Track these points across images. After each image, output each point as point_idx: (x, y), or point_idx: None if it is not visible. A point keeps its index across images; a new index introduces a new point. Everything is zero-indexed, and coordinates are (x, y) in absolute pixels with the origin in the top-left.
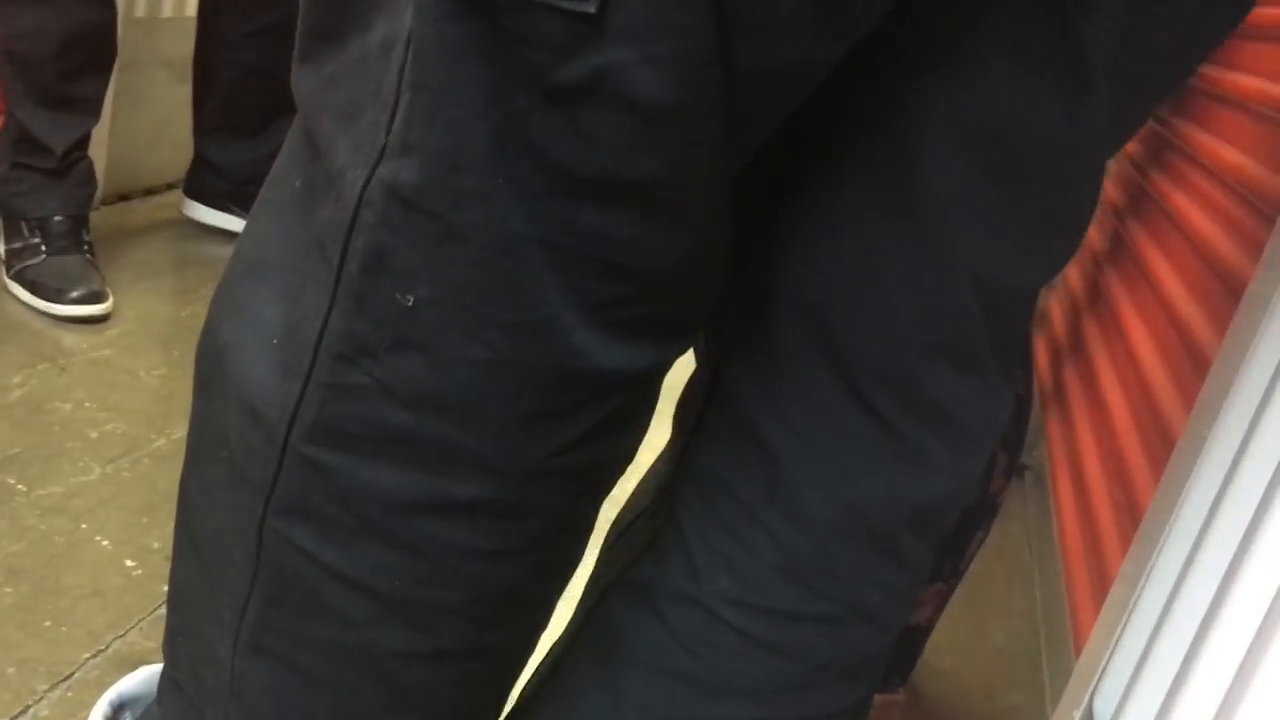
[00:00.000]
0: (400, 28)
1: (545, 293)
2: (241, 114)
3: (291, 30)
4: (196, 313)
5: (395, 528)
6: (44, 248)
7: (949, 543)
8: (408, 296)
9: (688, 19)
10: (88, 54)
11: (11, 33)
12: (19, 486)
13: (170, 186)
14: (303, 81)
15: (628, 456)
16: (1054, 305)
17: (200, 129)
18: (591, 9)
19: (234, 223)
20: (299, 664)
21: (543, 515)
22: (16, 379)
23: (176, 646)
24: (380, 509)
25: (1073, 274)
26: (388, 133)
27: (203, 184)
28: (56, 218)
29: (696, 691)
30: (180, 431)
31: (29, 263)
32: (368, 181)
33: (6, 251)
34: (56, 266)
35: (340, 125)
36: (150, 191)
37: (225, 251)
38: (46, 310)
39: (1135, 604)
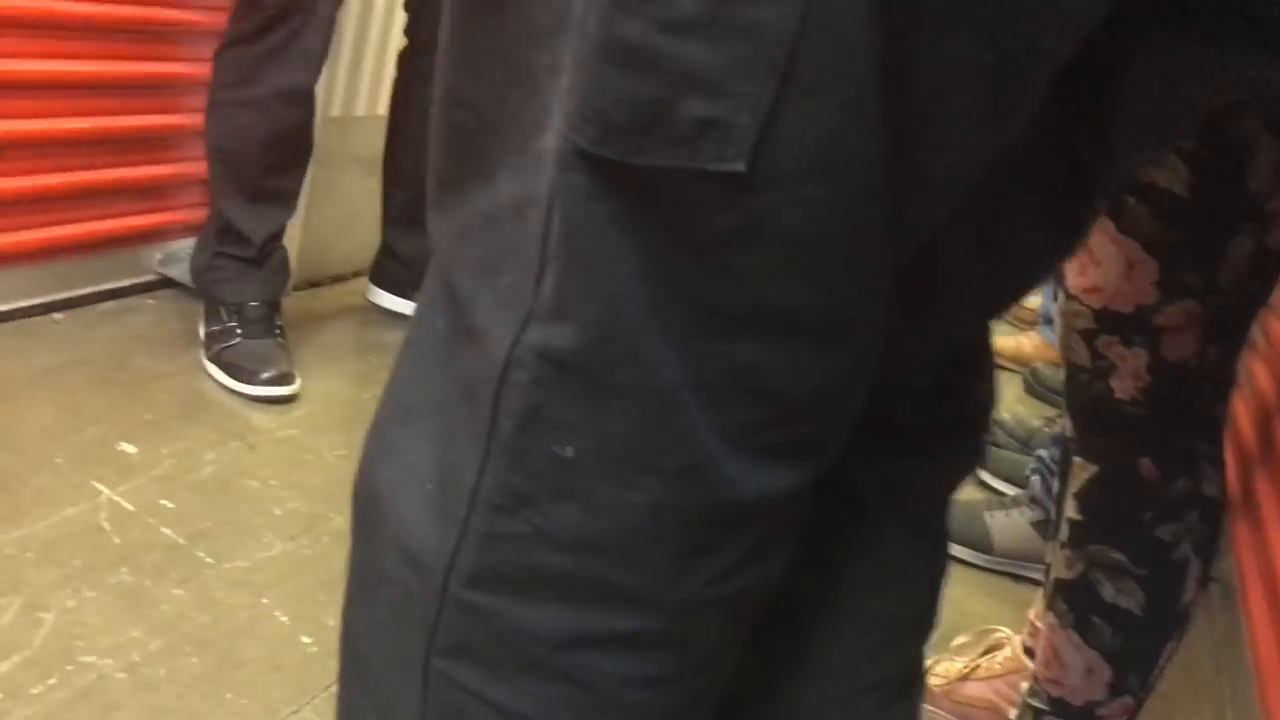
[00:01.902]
0: (534, 191)
1: (699, 434)
2: (426, 206)
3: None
4: (377, 395)
5: (558, 664)
6: (240, 331)
7: (1138, 654)
8: (565, 449)
9: (841, 158)
10: (288, 151)
11: (220, 131)
12: (208, 560)
13: (357, 274)
14: (434, 225)
15: (775, 580)
16: (1240, 408)
17: (388, 219)
18: (741, 167)
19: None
20: None
21: (698, 643)
22: (210, 456)
23: None
24: (542, 647)
25: (1261, 376)
26: (534, 296)
27: (388, 271)
28: (252, 303)
29: None
30: None
31: (226, 345)
32: (515, 342)
33: (206, 334)
34: (250, 349)
35: (478, 280)
36: (338, 279)
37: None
38: (239, 390)
39: None
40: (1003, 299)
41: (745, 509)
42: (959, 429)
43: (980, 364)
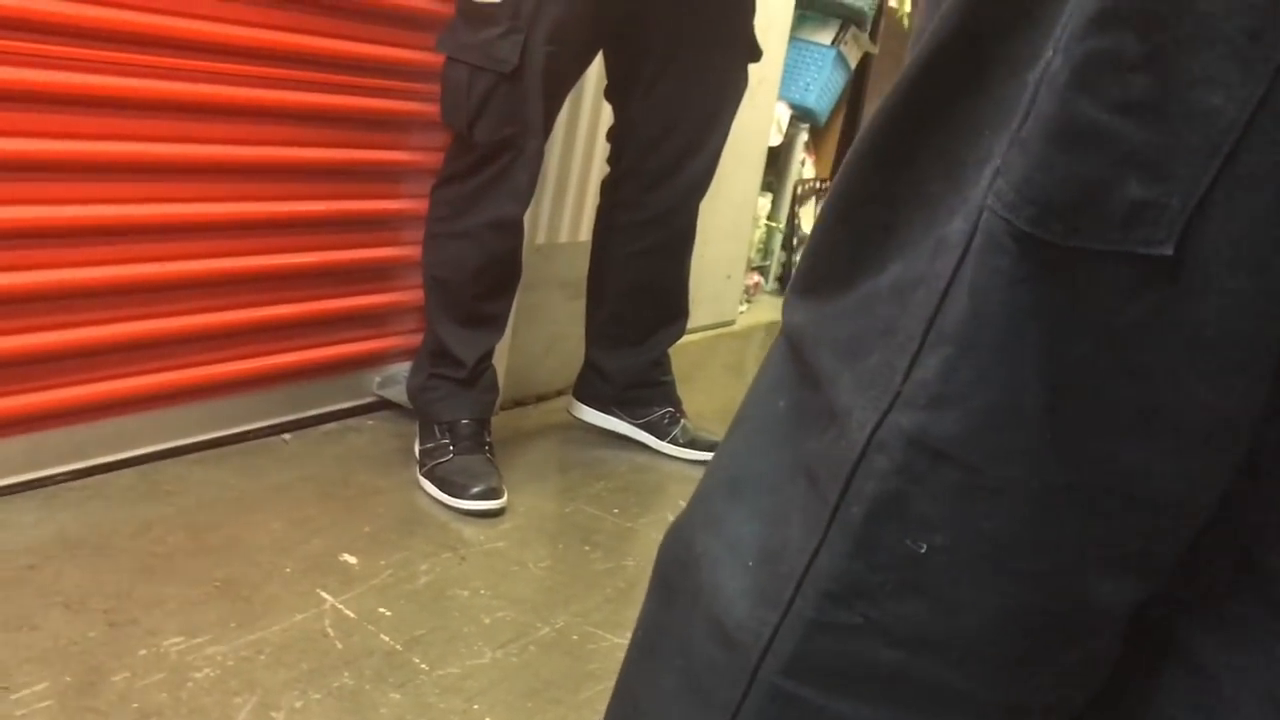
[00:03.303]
0: (924, 273)
1: (1069, 538)
2: (627, 324)
3: (670, 249)
4: (579, 509)
5: None
6: (452, 448)
7: None
8: (920, 544)
9: (1268, 252)
10: (499, 278)
11: (436, 261)
12: (422, 666)
13: (560, 393)
14: (798, 311)
15: (1087, 699)
16: None
17: (591, 337)
18: (1168, 251)
19: (617, 424)
20: None
21: None
22: (424, 566)
23: None
24: None
25: None
26: (904, 379)
27: (590, 388)
28: (464, 421)
29: None
30: (562, 621)
31: (439, 461)
32: (878, 425)
33: (420, 451)
34: (462, 465)
35: (843, 361)
36: (542, 398)
37: (606, 454)
38: (451, 504)
39: None
40: None
41: (1093, 619)
42: None
43: None
